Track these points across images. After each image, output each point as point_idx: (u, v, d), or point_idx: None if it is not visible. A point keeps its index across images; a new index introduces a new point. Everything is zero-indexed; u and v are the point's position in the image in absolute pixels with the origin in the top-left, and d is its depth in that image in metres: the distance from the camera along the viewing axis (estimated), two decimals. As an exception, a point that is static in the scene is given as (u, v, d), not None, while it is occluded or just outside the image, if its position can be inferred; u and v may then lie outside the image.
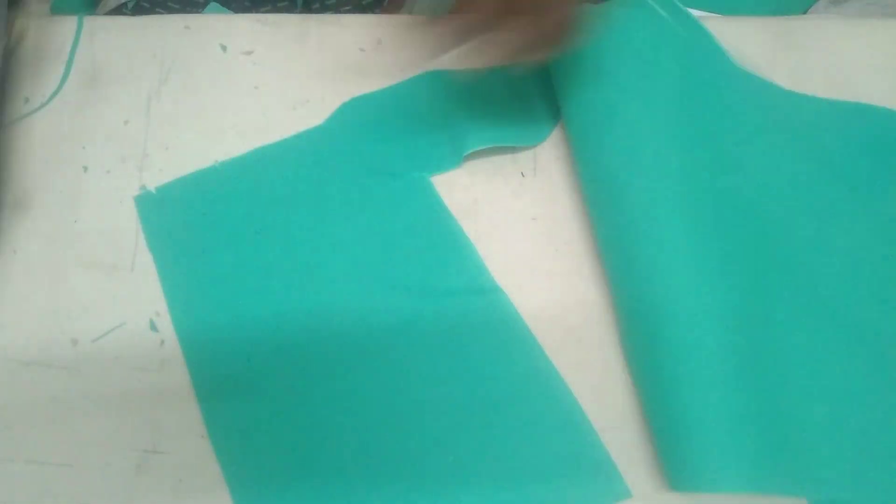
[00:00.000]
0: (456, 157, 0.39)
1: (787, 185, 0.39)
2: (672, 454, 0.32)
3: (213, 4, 0.53)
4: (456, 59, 0.36)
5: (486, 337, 0.35)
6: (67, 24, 0.42)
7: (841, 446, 0.32)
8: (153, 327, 0.35)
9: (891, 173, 0.39)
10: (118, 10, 0.53)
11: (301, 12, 0.44)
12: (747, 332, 0.34)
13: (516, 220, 0.38)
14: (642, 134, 0.39)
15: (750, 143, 0.40)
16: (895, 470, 0.32)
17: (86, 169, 0.38)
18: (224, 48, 0.42)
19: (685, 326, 0.33)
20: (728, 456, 0.31)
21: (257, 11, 0.54)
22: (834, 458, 0.32)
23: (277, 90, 0.41)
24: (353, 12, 0.51)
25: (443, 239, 0.37)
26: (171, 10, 0.54)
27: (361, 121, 0.40)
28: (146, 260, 0.36)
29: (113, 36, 0.42)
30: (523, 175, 0.40)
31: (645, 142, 0.39)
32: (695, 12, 0.44)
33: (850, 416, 0.33)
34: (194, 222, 0.37)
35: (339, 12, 0.39)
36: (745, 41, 0.43)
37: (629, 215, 0.36)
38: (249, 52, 0.42)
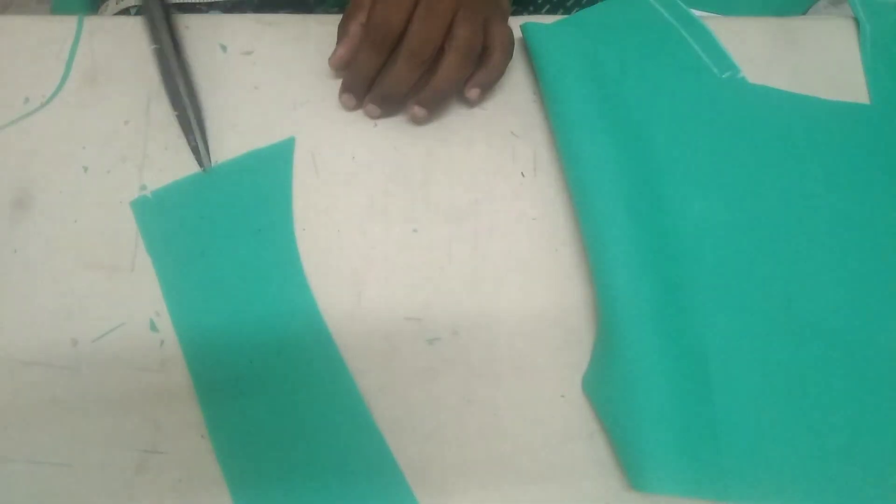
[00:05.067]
0: None
1: (786, 186, 0.39)
2: (626, 455, 0.32)
3: (214, 12, 0.53)
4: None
5: None
6: (67, 24, 0.42)
7: (798, 456, 0.32)
8: (153, 327, 0.35)
9: (890, 174, 0.39)
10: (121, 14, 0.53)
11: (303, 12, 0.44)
12: (710, 338, 0.34)
13: (516, 220, 0.38)
14: (637, 132, 0.39)
15: (749, 144, 0.40)
16: (852, 479, 0.32)
17: (86, 169, 0.38)
18: (224, 48, 0.42)
19: (641, 326, 0.33)
20: (677, 460, 0.31)
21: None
22: (787, 467, 0.32)
23: (277, 90, 0.41)
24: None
25: None
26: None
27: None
28: (146, 260, 0.36)
29: (113, 36, 0.42)
30: (523, 175, 0.40)
31: (642, 140, 0.39)
32: (695, 12, 0.44)
33: (810, 427, 0.33)
34: (192, 225, 0.37)
35: (341, 12, 0.40)
36: (745, 41, 0.43)
37: (600, 212, 0.36)
38: (249, 52, 0.42)
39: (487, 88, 0.40)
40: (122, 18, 0.43)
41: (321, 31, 0.43)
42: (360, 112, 0.41)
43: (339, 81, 0.40)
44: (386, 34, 0.36)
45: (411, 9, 0.36)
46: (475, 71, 0.39)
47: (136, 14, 0.51)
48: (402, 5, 0.35)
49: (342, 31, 0.39)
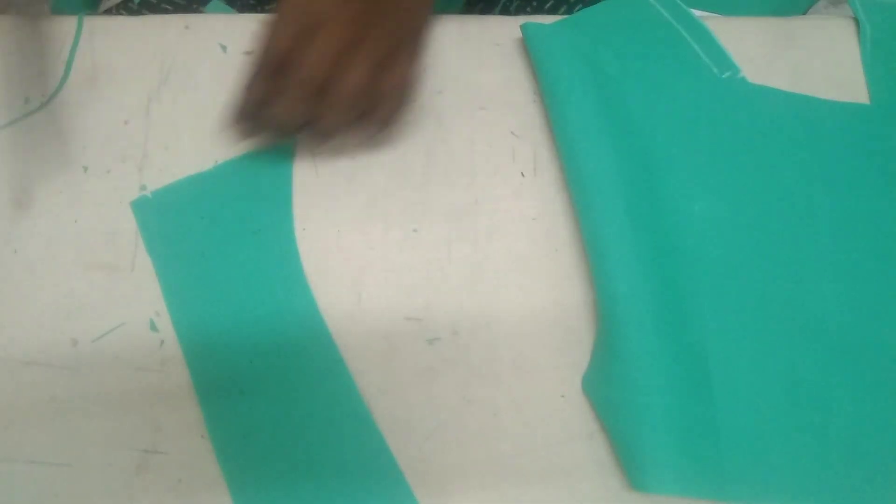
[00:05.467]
0: None
1: (786, 186, 0.39)
2: (626, 455, 0.32)
3: (215, 3, 0.53)
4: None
5: None
6: (67, 24, 0.42)
7: (798, 455, 0.32)
8: (153, 327, 0.35)
9: (890, 174, 0.39)
10: (123, 5, 0.53)
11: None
12: (713, 337, 0.34)
13: (516, 220, 0.38)
14: (639, 133, 0.39)
15: (750, 146, 0.40)
16: (852, 479, 0.32)
17: (86, 169, 0.38)
18: (224, 48, 0.42)
19: (643, 327, 0.33)
20: (680, 460, 0.31)
21: (262, 10, 0.54)
22: (789, 467, 0.32)
23: (277, 90, 0.41)
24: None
25: None
26: (176, 6, 0.54)
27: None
28: (146, 260, 0.36)
29: (113, 36, 0.42)
30: (523, 175, 0.40)
31: (643, 140, 0.39)
32: (695, 12, 0.44)
33: (812, 425, 0.33)
34: (192, 225, 0.37)
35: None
36: (745, 41, 0.43)
37: (602, 211, 0.36)
38: (249, 52, 0.42)
39: (377, 135, 0.38)
40: (123, 18, 0.43)
41: (321, 31, 0.42)
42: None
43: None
44: (279, 61, 0.34)
45: (302, 36, 0.33)
46: (366, 116, 0.36)
47: (139, 6, 0.51)
48: (290, 29, 0.33)
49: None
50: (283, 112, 0.34)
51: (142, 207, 0.37)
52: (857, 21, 0.44)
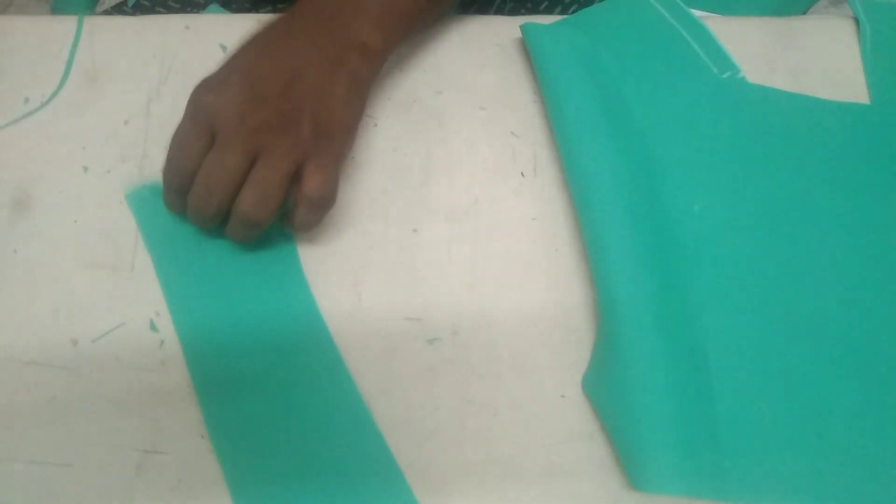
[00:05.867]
0: None
1: (786, 186, 0.39)
2: (626, 455, 0.32)
3: (213, 6, 0.53)
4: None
5: None
6: (67, 24, 0.42)
7: (799, 455, 0.32)
8: (153, 327, 0.35)
9: (890, 174, 0.39)
10: (118, 8, 0.53)
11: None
12: (711, 337, 0.34)
13: (516, 220, 0.38)
14: (637, 131, 0.39)
15: (749, 144, 0.40)
16: (852, 479, 0.32)
17: (86, 169, 0.38)
18: (224, 48, 0.42)
19: (641, 328, 0.33)
20: (677, 460, 0.31)
21: (257, 12, 0.54)
22: (789, 466, 0.32)
23: (277, 90, 0.41)
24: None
25: None
26: (170, 10, 0.54)
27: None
28: (146, 260, 0.36)
29: (113, 36, 0.42)
30: (523, 175, 0.40)
31: (644, 139, 0.39)
32: (695, 12, 0.44)
33: (810, 426, 0.33)
34: (191, 225, 0.37)
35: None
36: (745, 41, 0.43)
37: (607, 209, 0.36)
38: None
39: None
40: (123, 18, 0.43)
41: (321, 31, 0.42)
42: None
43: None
44: (182, 180, 0.33)
45: (206, 148, 0.33)
46: (286, 219, 0.35)
47: (133, 7, 0.51)
48: (193, 146, 0.32)
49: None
50: (195, 222, 0.35)
51: (137, 199, 0.37)
52: (857, 21, 0.44)
